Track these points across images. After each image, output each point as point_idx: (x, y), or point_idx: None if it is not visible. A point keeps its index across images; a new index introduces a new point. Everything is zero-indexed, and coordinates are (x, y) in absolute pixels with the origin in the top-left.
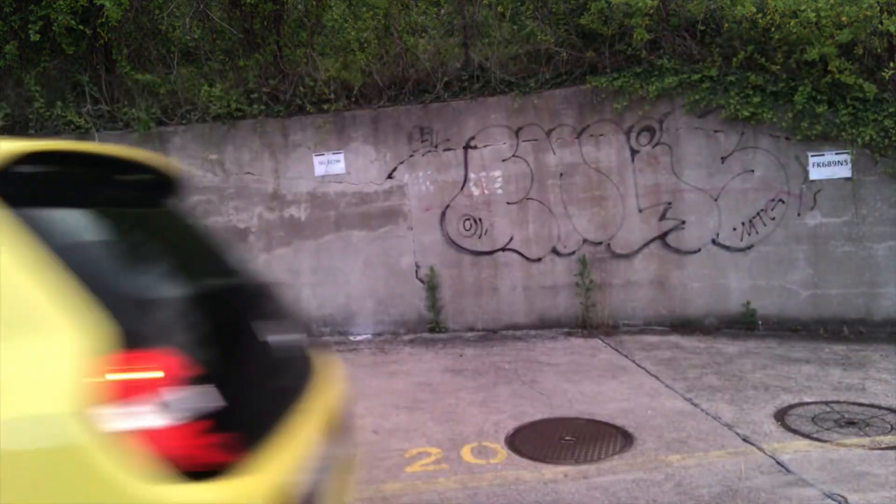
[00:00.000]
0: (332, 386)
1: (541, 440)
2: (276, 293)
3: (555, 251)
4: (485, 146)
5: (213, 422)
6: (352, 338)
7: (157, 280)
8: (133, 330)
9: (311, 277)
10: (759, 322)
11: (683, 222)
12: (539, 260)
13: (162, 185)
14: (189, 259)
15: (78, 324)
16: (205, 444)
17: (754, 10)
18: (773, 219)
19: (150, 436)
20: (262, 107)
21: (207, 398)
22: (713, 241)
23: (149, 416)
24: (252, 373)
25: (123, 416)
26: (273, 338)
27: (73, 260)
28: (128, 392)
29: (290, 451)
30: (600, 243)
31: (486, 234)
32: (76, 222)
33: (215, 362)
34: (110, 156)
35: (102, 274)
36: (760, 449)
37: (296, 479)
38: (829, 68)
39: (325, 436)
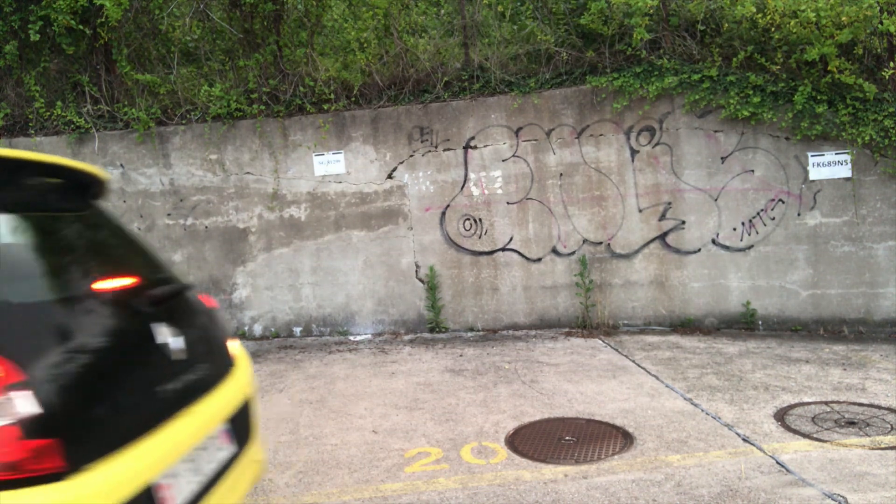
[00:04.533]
0: (238, 387)
1: (541, 440)
2: (190, 295)
3: (555, 251)
4: (485, 146)
5: (36, 427)
6: (351, 338)
7: (6, 284)
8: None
9: (310, 277)
10: (759, 322)
11: (683, 222)
12: (539, 260)
13: (81, 188)
14: (80, 263)
15: None
16: (25, 449)
17: (754, 10)
18: (773, 219)
19: None
20: (262, 107)
21: (25, 404)
22: (713, 241)
23: None
24: (116, 376)
25: None
26: (170, 340)
27: None
28: None
29: (162, 454)
30: (600, 243)
31: (486, 234)
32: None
33: (47, 368)
34: (19, 159)
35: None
36: (760, 449)
37: (166, 482)
38: (829, 68)
39: (219, 437)
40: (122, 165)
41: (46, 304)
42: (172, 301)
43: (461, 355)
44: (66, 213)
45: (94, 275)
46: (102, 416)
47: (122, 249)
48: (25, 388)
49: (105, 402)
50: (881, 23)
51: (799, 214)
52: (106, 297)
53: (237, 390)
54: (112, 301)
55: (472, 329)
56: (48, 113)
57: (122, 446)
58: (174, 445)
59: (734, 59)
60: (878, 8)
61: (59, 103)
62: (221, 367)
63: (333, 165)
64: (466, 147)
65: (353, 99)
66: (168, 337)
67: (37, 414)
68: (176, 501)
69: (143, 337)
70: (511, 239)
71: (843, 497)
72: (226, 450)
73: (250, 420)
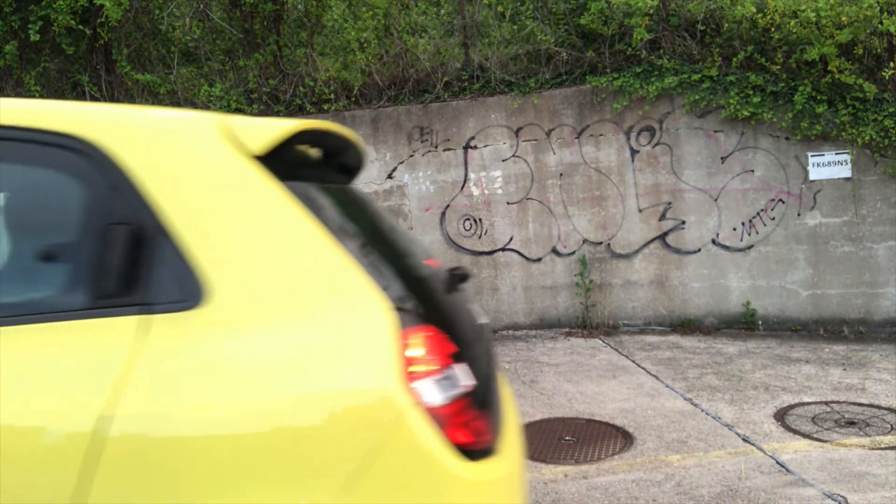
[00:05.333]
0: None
1: (541, 440)
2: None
3: (555, 251)
4: (485, 146)
5: (471, 400)
6: None
7: (402, 258)
8: (403, 307)
9: None
10: (759, 322)
11: (683, 222)
12: (539, 260)
13: (352, 162)
14: (397, 238)
15: (370, 300)
16: (470, 422)
17: (754, 10)
18: (773, 219)
19: (437, 413)
20: (262, 107)
21: (467, 376)
22: (713, 241)
23: (434, 394)
24: (482, 354)
25: (421, 393)
26: (483, 320)
27: (341, 237)
28: (419, 369)
29: (515, 434)
30: (600, 243)
31: (486, 234)
32: (323, 199)
33: (461, 341)
34: (335, 133)
35: (365, 251)
36: (760, 449)
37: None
38: (829, 68)
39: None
40: None
41: (432, 278)
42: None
43: None
44: (336, 186)
45: (420, 253)
46: (492, 388)
47: (389, 226)
48: (462, 360)
49: (488, 377)
50: (881, 23)
51: (799, 214)
52: (445, 276)
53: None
54: (448, 280)
55: None
56: None
57: (505, 421)
58: (514, 423)
59: (734, 59)
60: (878, 8)
61: None
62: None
63: None
64: (466, 147)
65: (353, 99)
66: (480, 317)
67: (474, 385)
68: None
69: (473, 316)
70: (511, 239)
71: (843, 497)
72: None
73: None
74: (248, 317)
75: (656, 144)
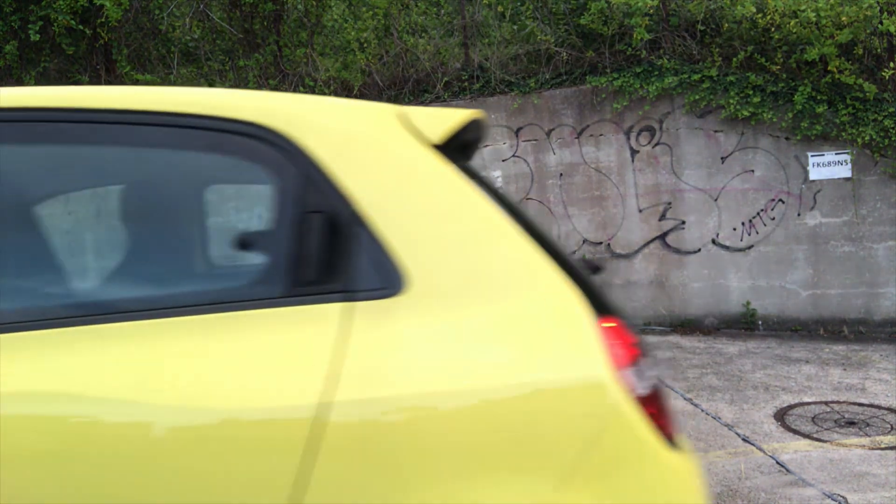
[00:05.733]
0: None
1: None
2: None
3: None
4: (485, 146)
5: (658, 392)
6: None
7: (550, 245)
8: (590, 297)
9: None
10: (759, 322)
11: (683, 222)
12: None
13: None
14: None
15: (562, 288)
16: (664, 412)
17: (754, 10)
18: (773, 219)
19: (642, 402)
20: None
21: (654, 368)
22: (713, 241)
23: (637, 383)
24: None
25: (629, 381)
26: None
27: (519, 222)
28: (619, 358)
29: None
30: (600, 243)
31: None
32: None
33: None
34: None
35: (537, 238)
36: (760, 449)
37: None
38: (829, 68)
39: None
40: None
41: (583, 267)
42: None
43: None
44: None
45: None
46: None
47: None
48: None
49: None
50: (881, 23)
51: (799, 214)
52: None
53: None
54: (589, 271)
55: None
56: None
57: None
58: None
59: (734, 59)
60: (878, 8)
61: None
62: None
63: None
64: None
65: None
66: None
67: (658, 378)
68: None
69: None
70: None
71: (843, 497)
72: None
73: None
74: (449, 304)
75: (656, 144)
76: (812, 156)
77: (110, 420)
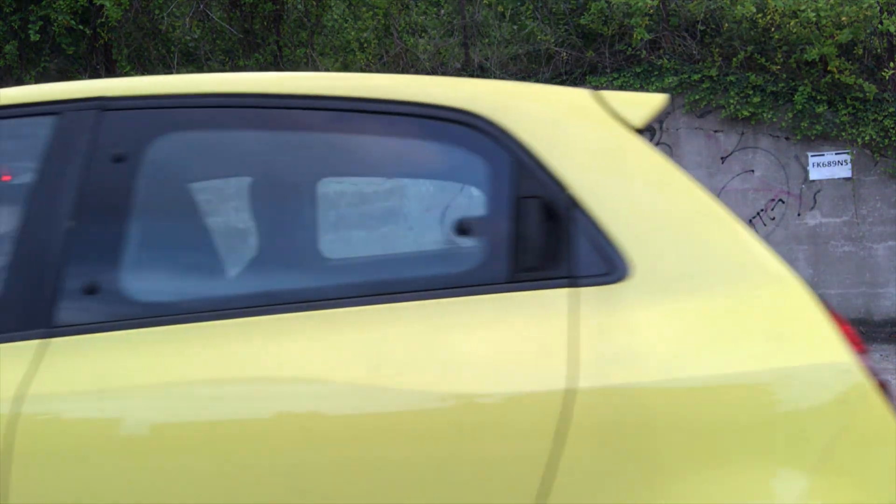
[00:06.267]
0: None
1: None
2: None
3: None
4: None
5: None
6: None
7: None
8: None
9: None
10: None
11: None
12: None
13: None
14: None
15: (783, 274)
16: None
17: (754, 10)
18: (773, 219)
19: (882, 389)
20: None
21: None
22: None
23: (875, 371)
24: None
25: (868, 368)
26: None
27: None
28: (854, 345)
29: None
30: None
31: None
32: None
33: None
34: None
35: None
36: None
37: None
38: (829, 68)
39: None
40: None
41: None
42: None
43: None
44: None
45: None
46: None
47: None
48: None
49: None
50: (881, 23)
51: (799, 214)
52: None
53: None
54: None
55: None
56: None
57: None
58: None
59: (734, 59)
60: (878, 8)
61: None
62: None
63: None
64: None
65: None
66: None
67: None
68: None
69: None
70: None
71: None
72: None
73: None
74: (676, 291)
75: (656, 144)
76: (812, 156)
77: (343, 408)
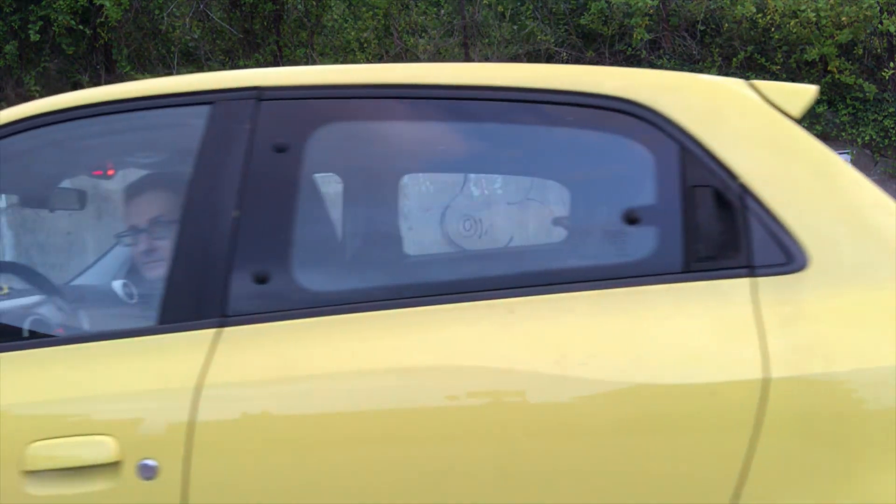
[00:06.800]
0: None
1: None
2: None
3: None
4: None
5: None
6: None
7: None
8: None
9: None
10: None
11: None
12: None
13: None
14: None
15: None
16: None
17: (754, 10)
18: None
19: None
20: None
21: None
22: None
23: None
24: None
25: None
26: None
27: None
28: None
29: None
30: None
31: (486, 233)
32: None
33: None
34: None
35: None
36: None
37: None
38: (829, 68)
39: None
40: None
41: None
42: None
43: None
44: None
45: None
46: None
47: None
48: None
49: None
50: (881, 23)
51: None
52: None
53: None
54: None
55: None
56: None
57: None
58: None
59: (734, 59)
60: (878, 8)
61: None
62: None
63: None
64: None
65: None
66: None
67: None
68: None
69: None
70: (511, 239)
71: None
72: None
73: None
74: (851, 282)
75: None
76: None
77: (529, 399)
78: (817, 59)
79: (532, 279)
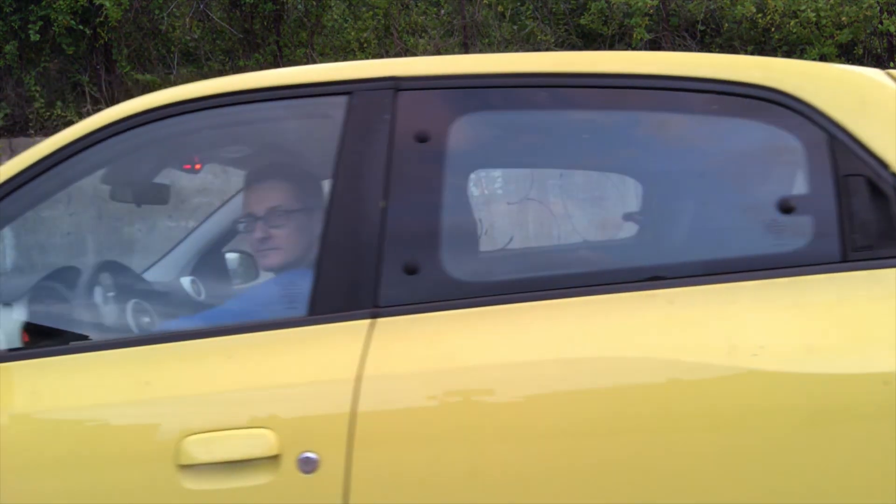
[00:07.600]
0: None
1: None
2: None
3: None
4: None
5: None
6: None
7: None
8: None
9: None
10: None
11: None
12: None
13: None
14: None
15: None
16: None
17: (754, 10)
18: None
19: None
20: None
21: None
22: None
23: None
24: None
25: None
26: None
27: None
28: None
29: None
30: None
31: (486, 233)
32: None
33: None
34: None
35: None
36: None
37: None
38: None
39: None
40: None
41: None
42: None
43: None
44: None
45: None
46: None
47: None
48: None
49: None
50: (881, 23)
51: None
52: None
53: None
54: None
55: None
56: (48, 113)
57: None
58: None
59: None
60: (878, 8)
61: (58, 103)
62: None
63: None
64: None
65: None
66: None
67: None
68: None
69: None
70: (511, 239)
71: None
72: None
73: None
74: None
75: None
76: None
77: (699, 389)
78: (817, 59)
79: (695, 269)
